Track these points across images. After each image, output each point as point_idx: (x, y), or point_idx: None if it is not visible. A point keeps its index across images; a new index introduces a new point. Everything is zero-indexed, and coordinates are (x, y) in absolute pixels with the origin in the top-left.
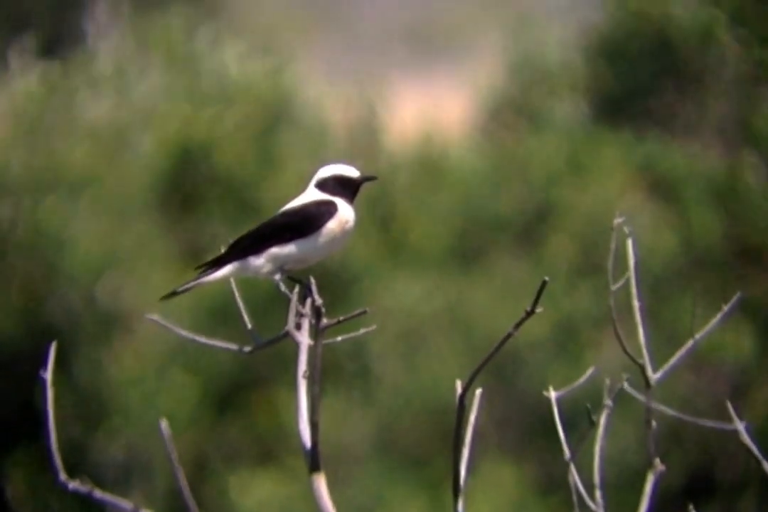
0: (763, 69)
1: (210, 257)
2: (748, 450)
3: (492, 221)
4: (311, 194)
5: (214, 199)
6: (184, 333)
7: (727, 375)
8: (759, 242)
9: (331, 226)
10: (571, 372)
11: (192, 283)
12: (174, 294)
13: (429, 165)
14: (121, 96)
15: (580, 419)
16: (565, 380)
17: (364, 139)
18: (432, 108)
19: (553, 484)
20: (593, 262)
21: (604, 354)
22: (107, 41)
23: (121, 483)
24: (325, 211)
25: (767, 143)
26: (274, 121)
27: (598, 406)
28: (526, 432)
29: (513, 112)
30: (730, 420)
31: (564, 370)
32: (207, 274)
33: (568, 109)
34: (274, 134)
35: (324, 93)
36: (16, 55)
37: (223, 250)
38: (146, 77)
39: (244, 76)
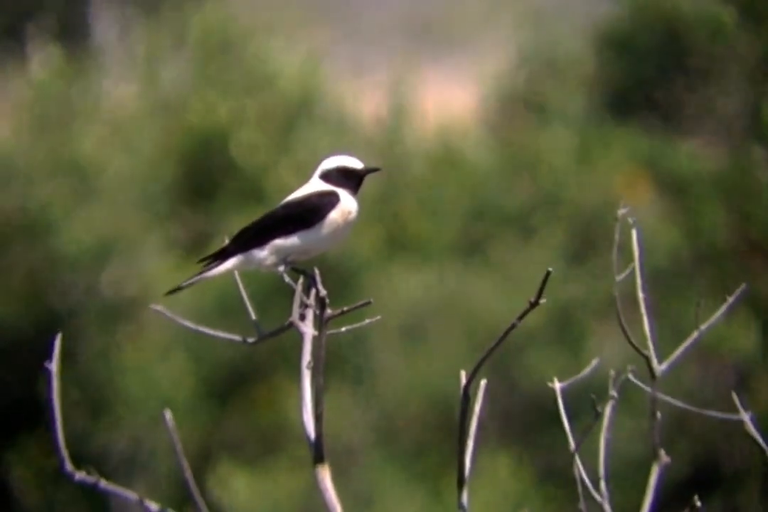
0: None
1: (213, 249)
2: (753, 441)
3: (497, 214)
4: (314, 185)
5: (229, 188)
6: (189, 324)
7: (731, 367)
8: (763, 236)
9: (334, 216)
10: (569, 364)
11: (196, 278)
12: (179, 289)
13: (437, 158)
14: (139, 84)
15: (579, 410)
16: (562, 371)
17: (389, 132)
18: (441, 101)
19: (553, 475)
20: (597, 254)
21: (603, 345)
22: (121, 29)
23: (124, 472)
24: (328, 201)
25: None
26: (297, 113)
27: (593, 397)
28: (525, 424)
29: (521, 105)
30: (734, 411)
31: (562, 361)
32: (211, 268)
33: (577, 102)
34: (295, 125)
35: (347, 86)
36: (27, 42)
37: (226, 242)
38: (169, 66)
39: (273, 67)
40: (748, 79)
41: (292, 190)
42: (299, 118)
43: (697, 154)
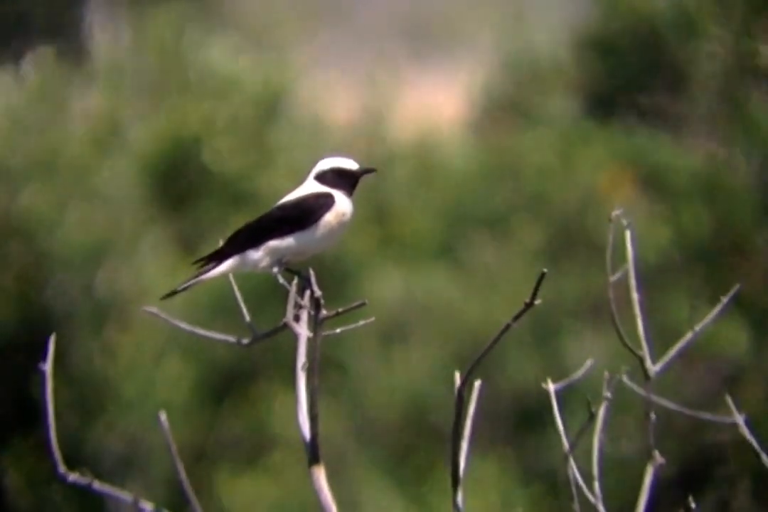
0: (750, 62)
1: (207, 249)
2: (745, 443)
3: (479, 216)
4: (310, 186)
5: (207, 192)
6: (183, 325)
7: (720, 367)
8: (746, 236)
9: (329, 218)
10: (551, 364)
11: (192, 281)
12: (174, 293)
13: (422, 160)
14: (116, 89)
15: (566, 411)
16: (544, 372)
17: (368, 133)
18: (425, 104)
19: (539, 476)
20: (580, 255)
21: (586, 345)
22: (104, 33)
23: (119, 474)
24: (323, 203)
25: (754, 137)
26: (268, 115)
27: (575, 397)
28: (509, 425)
29: (505, 108)
30: (723, 412)
31: (544, 362)
32: (206, 271)
33: (560, 105)
34: (268, 128)
35: (320, 86)
36: (16, 45)
37: (221, 244)
38: (140, 70)
39: (237, 70)
40: (728, 79)
41: (286, 192)
42: (270, 122)
43: (680, 154)
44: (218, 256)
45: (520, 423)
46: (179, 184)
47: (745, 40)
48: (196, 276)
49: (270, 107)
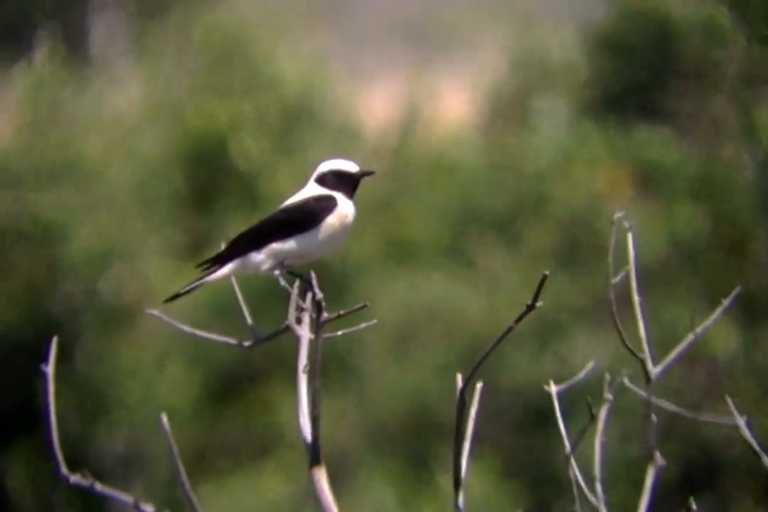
0: (762, 66)
1: (212, 253)
2: (745, 443)
3: (488, 217)
4: (311, 189)
5: (229, 192)
6: (185, 327)
7: (715, 366)
8: (745, 236)
9: (331, 220)
10: (554, 366)
11: (195, 284)
12: (177, 296)
13: (429, 162)
14: (139, 88)
15: (567, 413)
16: (547, 374)
17: (400, 139)
18: (433, 105)
19: (540, 477)
20: (584, 257)
21: (589, 347)
22: (109, 35)
23: (121, 475)
24: (325, 205)
25: (756, 138)
26: (297, 116)
27: (580, 399)
28: (511, 426)
29: (513, 108)
30: (723, 412)
31: (548, 364)
32: (209, 274)
33: (568, 105)
34: (295, 129)
35: (349, 90)
36: (29, 46)
37: (223, 247)
38: (171, 69)
39: (276, 70)
40: (740, 81)
41: (290, 195)
42: (300, 122)
43: (688, 154)
44: (221, 259)
45: (524, 425)
46: (201, 183)
47: (755, 44)
48: (199, 279)
49: (302, 108)
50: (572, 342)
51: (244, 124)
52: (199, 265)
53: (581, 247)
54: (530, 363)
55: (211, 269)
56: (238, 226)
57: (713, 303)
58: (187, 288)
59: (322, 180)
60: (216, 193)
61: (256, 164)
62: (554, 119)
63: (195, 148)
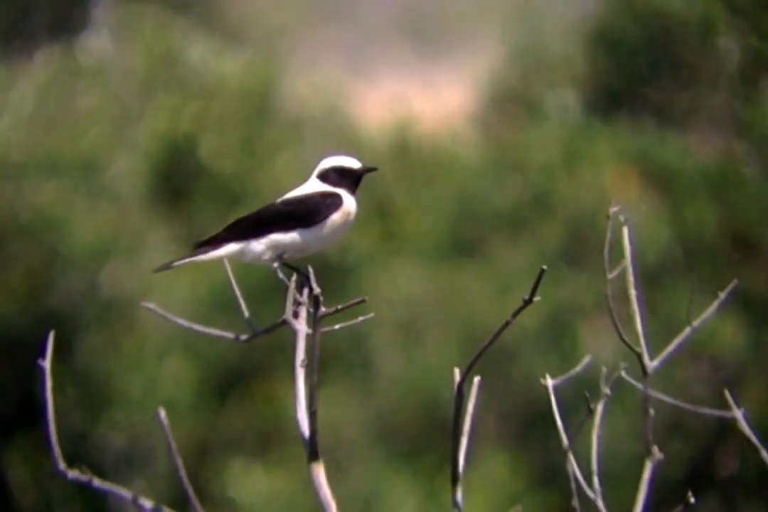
0: (760, 60)
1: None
2: (745, 438)
3: (488, 211)
4: (313, 185)
5: (203, 190)
6: (181, 321)
7: (721, 364)
8: (752, 233)
9: (335, 217)
10: (560, 361)
11: (188, 259)
12: (168, 267)
13: (422, 155)
14: (113, 87)
15: (571, 408)
16: (554, 369)
17: (334, 130)
18: (428, 99)
19: (547, 473)
20: (587, 252)
21: (592, 342)
22: (102, 31)
23: (122, 470)
24: (330, 202)
25: (761, 134)
26: (258, 114)
27: (587, 395)
28: (518, 422)
29: (512, 102)
30: (726, 408)
31: (554, 359)
32: (204, 252)
33: (567, 100)
34: (258, 126)
35: (303, 84)
36: (20, 42)
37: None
38: (133, 70)
39: (225, 69)
40: (737, 75)
41: (288, 190)
42: (260, 119)
43: (688, 150)
44: (217, 241)
45: (531, 421)
46: (176, 183)
47: (755, 37)
48: (194, 255)
49: (259, 106)
50: (585, 338)
51: (209, 123)
52: (198, 246)
53: (588, 241)
54: (542, 360)
55: (207, 248)
56: (216, 224)
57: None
58: (181, 261)
59: (324, 176)
60: (190, 192)
61: (224, 162)
62: (556, 113)
63: (165, 149)
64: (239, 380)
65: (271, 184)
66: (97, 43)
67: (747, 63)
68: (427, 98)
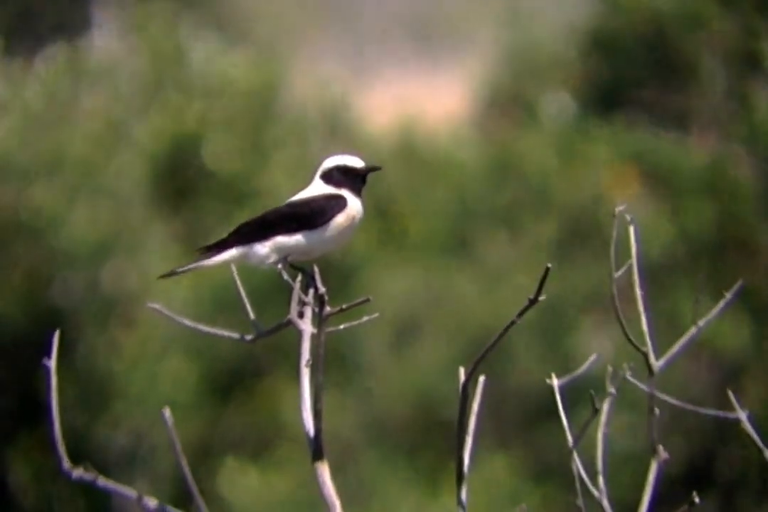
0: (753, 60)
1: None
2: (749, 439)
3: (487, 211)
4: (318, 187)
5: (206, 190)
6: (186, 321)
7: (723, 362)
8: (749, 232)
9: (340, 220)
10: (559, 360)
11: (193, 265)
12: (173, 273)
13: (421, 156)
14: (115, 87)
15: (572, 406)
16: (552, 367)
17: (338, 130)
18: (427, 100)
19: (548, 472)
20: (586, 250)
21: (593, 341)
22: (106, 31)
23: (125, 469)
24: (335, 204)
25: (757, 134)
26: (262, 114)
27: (582, 394)
28: (517, 420)
29: (507, 103)
30: (728, 408)
31: (552, 358)
32: (208, 257)
33: (562, 101)
34: (261, 126)
35: (305, 85)
36: (25, 42)
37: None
38: (137, 69)
39: (229, 69)
40: (731, 76)
41: (294, 192)
42: (265, 119)
43: (684, 149)
44: (222, 245)
45: (531, 419)
46: (180, 182)
47: (748, 37)
48: (198, 261)
49: (264, 105)
50: (584, 337)
51: (213, 123)
52: (201, 250)
53: (587, 240)
54: (540, 359)
55: (212, 253)
56: (219, 223)
57: (719, 299)
58: (186, 267)
59: (327, 176)
60: (193, 191)
61: (228, 162)
62: (552, 114)
63: (168, 148)
64: (240, 380)
65: (274, 183)
66: (102, 42)
67: (741, 64)
68: (427, 99)
